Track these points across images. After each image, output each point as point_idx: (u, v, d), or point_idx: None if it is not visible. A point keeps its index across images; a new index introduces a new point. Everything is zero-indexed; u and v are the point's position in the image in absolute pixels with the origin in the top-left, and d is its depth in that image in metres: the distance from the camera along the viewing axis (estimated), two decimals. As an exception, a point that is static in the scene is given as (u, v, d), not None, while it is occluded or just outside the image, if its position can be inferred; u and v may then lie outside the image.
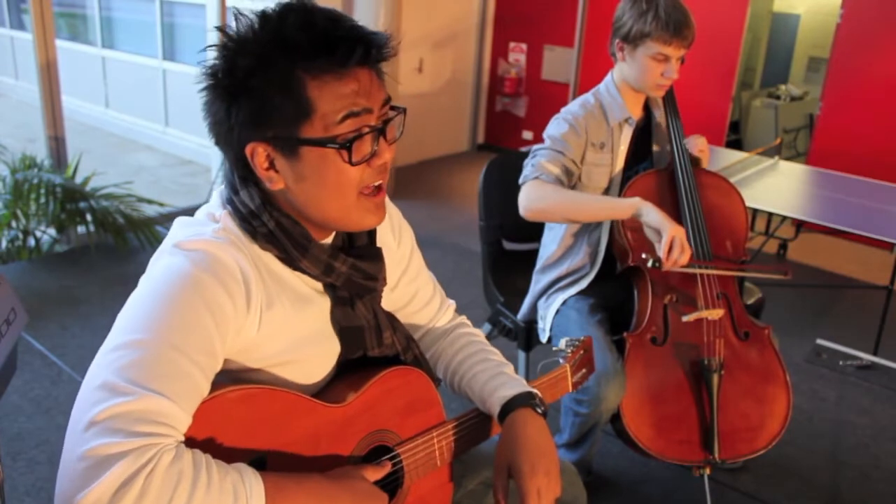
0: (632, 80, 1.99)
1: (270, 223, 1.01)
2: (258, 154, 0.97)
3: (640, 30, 1.90)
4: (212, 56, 0.95)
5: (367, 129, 0.97)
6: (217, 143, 1.00)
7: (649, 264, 1.81)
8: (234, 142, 0.98)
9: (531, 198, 1.90)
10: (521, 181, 1.95)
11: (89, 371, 0.88)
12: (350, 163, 0.96)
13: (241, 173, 1.03)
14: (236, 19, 0.95)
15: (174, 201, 4.54)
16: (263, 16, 0.94)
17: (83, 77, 8.00)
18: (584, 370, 1.49)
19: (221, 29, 0.95)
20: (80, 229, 3.89)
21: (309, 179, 0.98)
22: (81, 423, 0.83)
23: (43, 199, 3.74)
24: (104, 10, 7.76)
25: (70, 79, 6.12)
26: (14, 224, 3.77)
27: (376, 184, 1.02)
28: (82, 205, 3.80)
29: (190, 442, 0.91)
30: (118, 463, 0.80)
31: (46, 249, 3.90)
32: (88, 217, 3.80)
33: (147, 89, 7.20)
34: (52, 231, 3.92)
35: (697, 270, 1.92)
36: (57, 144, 3.98)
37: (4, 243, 3.78)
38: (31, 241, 3.84)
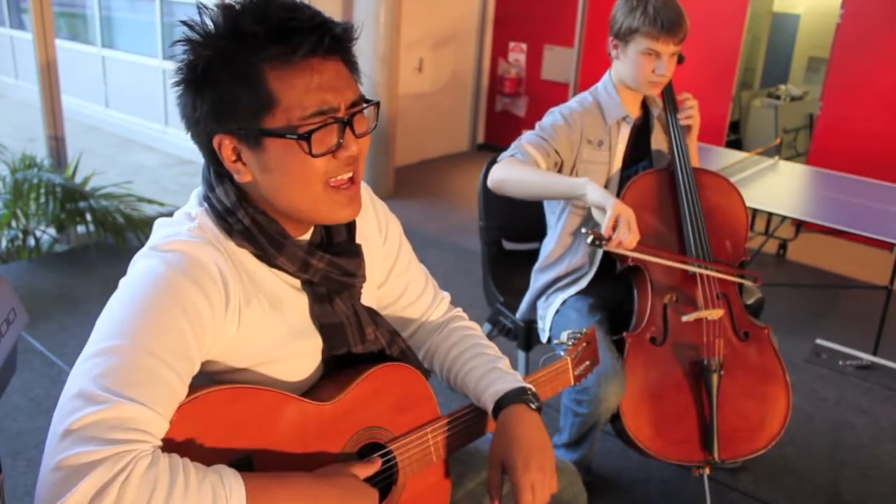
0: (626, 77, 2.00)
1: (246, 220, 1.01)
2: (225, 146, 0.98)
3: (629, 26, 1.92)
4: (181, 51, 0.96)
5: (330, 121, 0.97)
6: (191, 137, 1.01)
7: (588, 241, 1.73)
8: (202, 134, 0.99)
9: (497, 170, 1.93)
10: (498, 158, 1.97)
11: (68, 380, 0.88)
12: (310, 154, 0.96)
13: (215, 168, 1.04)
14: (200, 13, 0.95)
15: (174, 201, 4.53)
16: (224, 8, 0.95)
17: (83, 77, 7.99)
18: (587, 362, 1.47)
19: (186, 23, 0.96)
20: (80, 229, 3.89)
21: (274, 171, 0.98)
22: (57, 432, 0.83)
23: (43, 199, 3.74)
24: (104, 9, 7.74)
25: (70, 79, 6.11)
26: (14, 224, 3.77)
27: (346, 176, 1.01)
28: (82, 204, 3.80)
29: (173, 443, 0.90)
30: (93, 471, 0.79)
31: (46, 249, 3.90)
32: (88, 217, 3.80)
33: (147, 89, 7.19)
34: (52, 231, 3.92)
35: (643, 257, 1.86)
36: (57, 144, 3.98)
37: (4, 243, 3.78)
38: (31, 241, 3.84)
